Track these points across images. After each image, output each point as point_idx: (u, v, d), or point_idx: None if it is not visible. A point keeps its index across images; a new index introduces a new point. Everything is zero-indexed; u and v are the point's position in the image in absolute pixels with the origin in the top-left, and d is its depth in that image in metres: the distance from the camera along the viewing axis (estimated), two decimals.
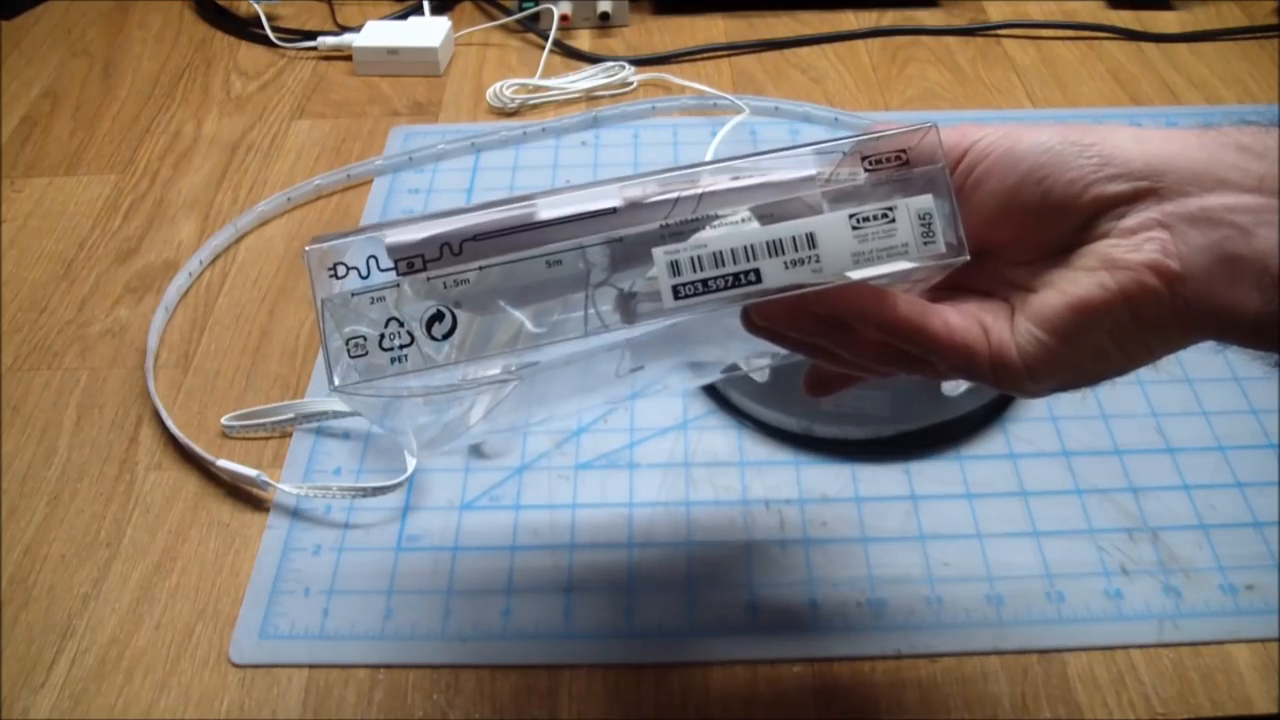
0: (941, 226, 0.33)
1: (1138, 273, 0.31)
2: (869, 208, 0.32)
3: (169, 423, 0.53)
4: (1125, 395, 0.54)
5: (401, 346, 0.33)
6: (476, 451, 0.52)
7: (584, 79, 0.78)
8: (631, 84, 0.78)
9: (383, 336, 0.33)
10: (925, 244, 0.33)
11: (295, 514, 0.50)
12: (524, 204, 0.34)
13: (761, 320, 0.34)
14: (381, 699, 0.43)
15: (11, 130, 0.76)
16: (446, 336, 0.33)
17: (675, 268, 0.33)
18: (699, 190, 0.35)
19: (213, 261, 0.64)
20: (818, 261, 0.32)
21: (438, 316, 0.33)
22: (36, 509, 0.51)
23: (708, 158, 0.68)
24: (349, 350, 0.33)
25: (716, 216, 0.34)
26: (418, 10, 0.85)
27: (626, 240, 0.33)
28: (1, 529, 0.50)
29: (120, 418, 0.55)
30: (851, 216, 0.32)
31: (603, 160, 0.71)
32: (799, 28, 0.84)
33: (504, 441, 0.53)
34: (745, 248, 0.33)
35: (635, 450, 0.52)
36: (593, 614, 0.46)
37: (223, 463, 0.51)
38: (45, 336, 0.60)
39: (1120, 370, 0.33)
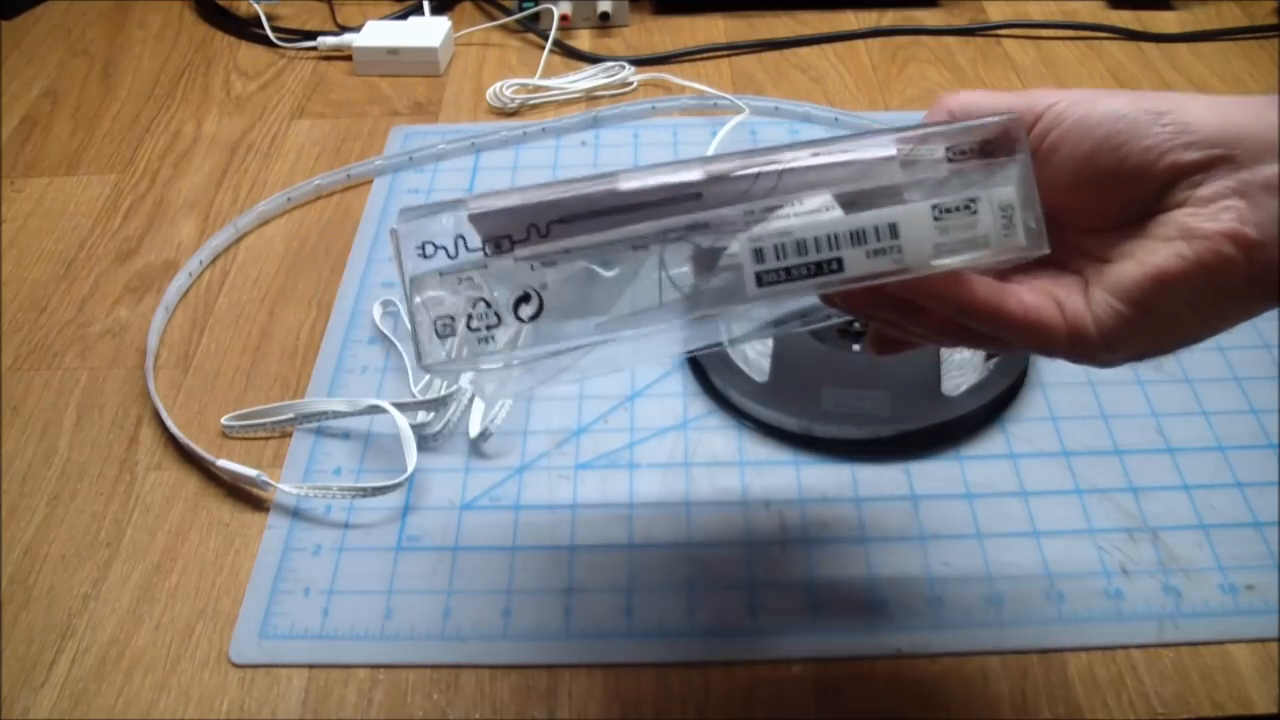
0: (1022, 218, 0.33)
1: (1215, 241, 0.31)
2: (951, 199, 0.33)
3: (169, 423, 0.53)
4: (1125, 395, 0.54)
5: (489, 327, 0.33)
6: (477, 451, 0.52)
7: (584, 79, 0.78)
8: (631, 84, 0.78)
9: (470, 317, 0.33)
10: (1006, 236, 0.33)
11: (295, 514, 0.50)
12: (607, 180, 0.33)
13: (841, 302, 0.35)
14: (381, 699, 0.43)
15: (11, 130, 0.76)
16: (534, 318, 0.33)
17: (759, 255, 0.33)
18: (780, 166, 0.34)
19: (213, 261, 0.64)
20: (899, 252, 0.32)
21: (525, 298, 0.33)
22: (36, 509, 0.51)
23: (710, 153, 0.68)
24: (436, 330, 0.33)
25: (798, 200, 0.34)
26: (418, 10, 0.85)
27: (711, 225, 0.33)
28: (1, 529, 0.50)
29: (120, 418, 0.55)
30: (934, 207, 0.32)
31: (603, 160, 0.71)
32: (799, 28, 0.84)
33: (504, 441, 0.53)
34: (829, 236, 0.33)
35: (635, 450, 0.52)
36: (593, 614, 0.46)
37: (223, 463, 0.51)
38: (45, 336, 0.60)
39: (1196, 338, 0.33)
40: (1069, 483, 0.50)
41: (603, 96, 0.77)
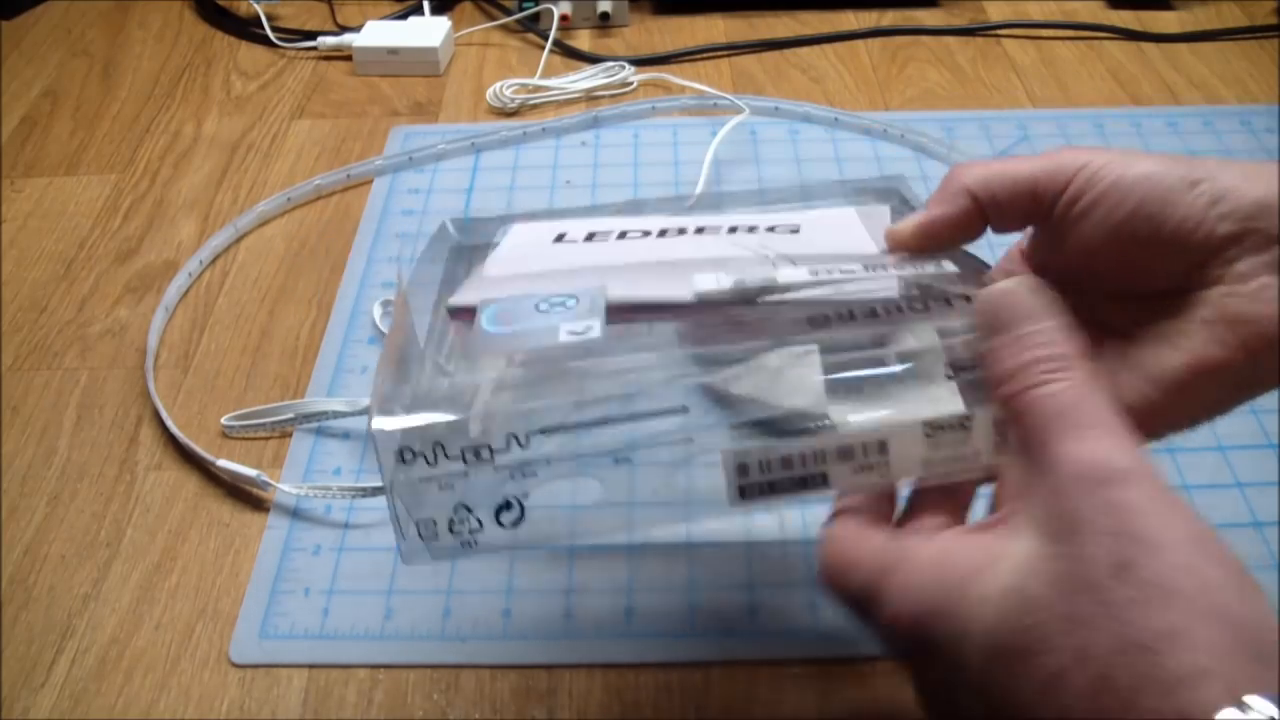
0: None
1: (1261, 325, 0.30)
2: (945, 417, 0.32)
3: (169, 423, 0.53)
4: None
5: (471, 532, 0.33)
6: None
7: (584, 79, 0.78)
8: (631, 84, 0.78)
9: (452, 522, 0.33)
10: (998, 448, 0.32)
11: (295, 514, 0.50)
12: (593, 405, 0.34)
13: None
14: (381, 699, 0.43)
15: (11, 130, 0.76)
16: (515, 524, 0.33)
17: (743, 470, 0.32)
18: (776, 296, 0.35)
19: (213, 261, 0.64)
20: (887, 468, 0.32)
21: (506, 505, 0.33)
22: (36, 509, 0.51)
23: (708, 159, 0.68)
24: (419, 531, 0.33)
25: (784, 343, 0.34)
26: (417, 10, 0.85)
27: (695, 441, 0.33)
28: (1, 529, 0.50)
29: (120, 418, 0.55)
30: (926, 424, 0.32)
31: (603, 160, 0.71)
32: (799, 28, 0.84)
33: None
34: (815, 453, 0.32)
35: (635, 450, 0.52)
36: (593, 614, 0.46)
37: (223, 462, 0.51)
38: (45, 336, 0.60)
39: (1226, 412, 0.32)
40: None
41: (603, 96, 0.77)
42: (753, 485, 0.32)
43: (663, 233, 0.43)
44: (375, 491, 0.50)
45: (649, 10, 0.87)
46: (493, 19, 0.86)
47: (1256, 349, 0.30)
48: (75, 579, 0.48)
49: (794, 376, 0.33)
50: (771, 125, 0.73)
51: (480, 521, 0.33)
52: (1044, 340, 0.30)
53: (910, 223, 0.36)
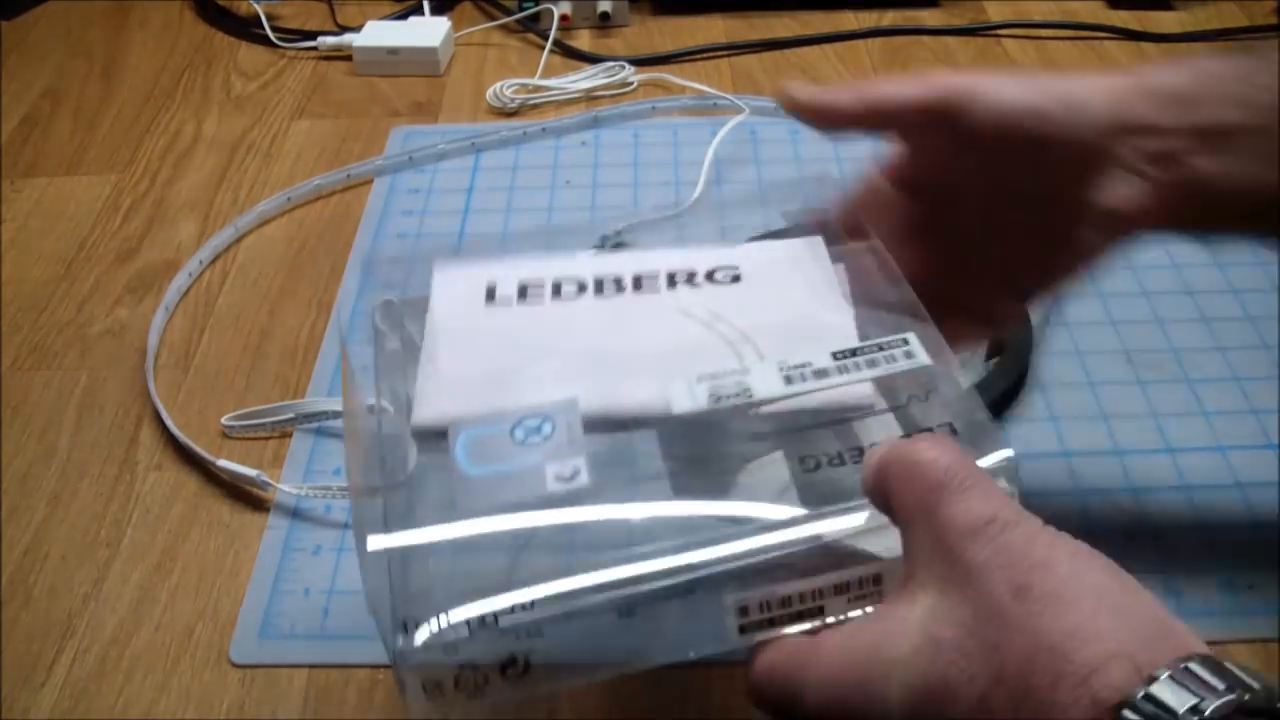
0: None
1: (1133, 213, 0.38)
2: None
3: (169, 423, 0.53)
4: (1125, 395, 0.54)
5: (477, 687, 0.34)
6: None
7: (584, 79, 0.78)
8: (631, 84, 0.78)
9: (457, 680, 0.33)
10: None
11: (295, 514, 0.50)
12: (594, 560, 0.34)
13: None
14: (381, 699, 0.43)
15: (11, 130, 0.76)
16: (522, 676, 0.34)
17: (744, 611, 0.33)
18: (756, 400, 0.36)
19: (213, 261, 0.64)
20: (878, 596, 0.33)
21: (510, 662, 0.34)
22: (36, 509, 0.51)
23: (707, 159, 0.68)
24: (424, 690, 0.33)
25: (757, 457, 0.36)
26: (418, 10, 0.85)
27: (699, 587, 0.34)
28: (1, 529, 0.50)
29: (120, 418, 0.55)
30: None
31: (603, 160, 0.71)
32: (799, 28, 0.84)
33: None
34: (813, 590, 0.33)
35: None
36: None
37: (223, 462, 0.51)
38: (45, 336, 0.60)
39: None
40: (1069, 483, 0.50)
41: (603, 96, 0.77)
42: (753, 623, 0.33)
43: (599, 287, 0.43)
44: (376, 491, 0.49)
45: (649, 10, 0.87)
46: (493, 19, 0.86)
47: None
48: (75, 579, 0.48)
49: (767, 491, 0.35)
50: (771, 125, 0.73)
51: (486, 678, 0.34)
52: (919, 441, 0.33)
53: (810, 102, 0.40)
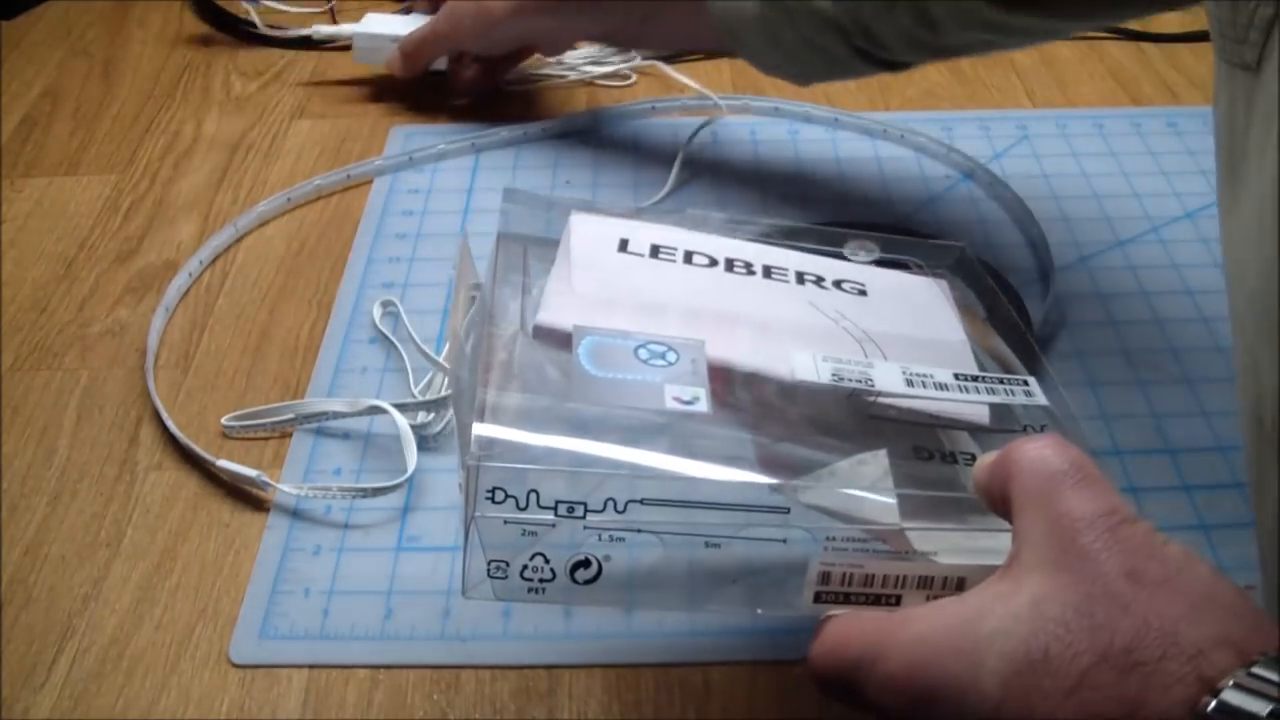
0: None
1: None
2: None
3: (169, 423, 0.53)
4: (1125, 396, 0.54)
5: (542, 581, 0.34)
6: None
7: (585, 62, 0.78)
8: (631, 79, 0.78)
9: (525, 568, 0.33)
10: None
11: (295, 514, 0.50)
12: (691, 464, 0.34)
13: None
14: (381, 699, 0.43)
15: (11, 130, 0.76)
16: (589, 582, 0.34)
17: (825, 579, 0.33)
18: (874, 389, 0.36)
19: (213, 261, 0.64)
20: (959, 602, 0.33)
21: (584, 563, 0.34)
22: (36, 509, 0.51)
23: (679, 157, 0.68)
24: (489, 570, 0.33)
25: (866, 446, 0.35)
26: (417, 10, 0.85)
27: (788, 543, 0.34)
28: (1, 529, 0.50)
29: (120, 418, 0.55)
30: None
31: (603, 160, 0.71)
32: None
33: None
34: (897, 577, 0.33)
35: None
36: (593, 614, 0.46)
37: (223, 463, 0.51)
38: (45, 336, 0.60)
39: None
40: None
41: (600, 88, 0.77)
42: (830, 593, 0.33)
43: (730, 265, 0.43)
44: (376, 492, 0.50)
45: None
46: None
47: None
48: (75, 579, 0.48)
49: (866, 488, 0.34)
50: (771, 125, 0.73)
51: (554, 573, 0.33)
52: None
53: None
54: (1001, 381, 0.38)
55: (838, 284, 0.43)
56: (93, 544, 0.49)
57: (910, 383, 0.37)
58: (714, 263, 0.43)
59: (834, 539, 0.33)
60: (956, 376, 0.38)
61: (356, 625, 0.46)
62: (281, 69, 0.81)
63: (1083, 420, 0.39)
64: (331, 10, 0.87)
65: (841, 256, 0.46)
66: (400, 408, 0.52)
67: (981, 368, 0.40)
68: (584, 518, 0.33)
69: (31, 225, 0.68)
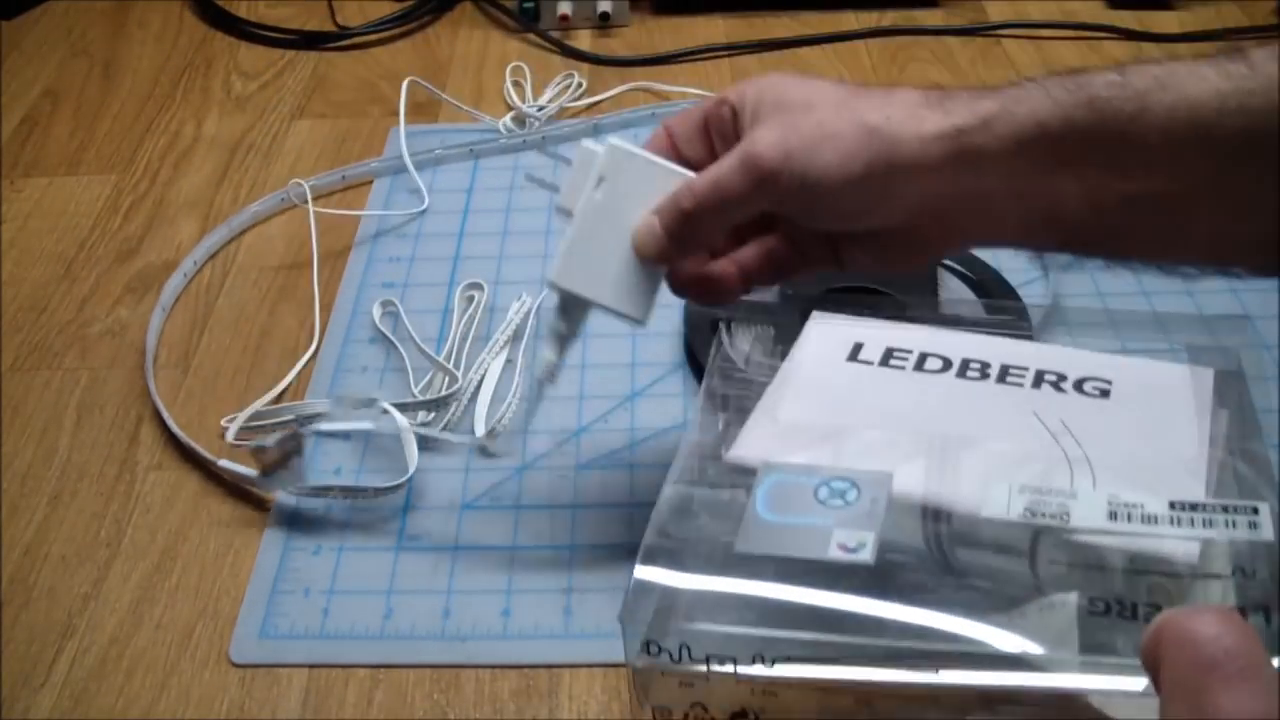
0: None
1: None
2: None
3: (170, 423, 0.53)
4: None
5: None
6: (477, 451, 0.52)
7: (547, 100, 0.76)
8: (581, 85, 0.77)
9: (687, 715, 0.34)
10: None
11: (295, 514, 0.50)
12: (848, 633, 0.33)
13: None
14: (381, 699, 0.43)
15: (11, 130, 0.76)
16: None
17: None
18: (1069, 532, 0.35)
19: (208, 261, 0.64)
20: None
21: (741, 714, 0.34)
22: (36, 509, 0.51)
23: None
24: (653, 716, 0.34)
25: (1053, 589, 0.34)
26: (417, 10, 0.85)
27: (940, 699, 0.33)
28: (1, 529, 0.50)
29: (120, 418, 0.55)
30: None
31: None
32: (799, 28, 0.84)
33: (505, 442, 0.53)
34: None
35: (635, 450, 0.52)
36: (593, 614, 0.46)
37: (224, 463, 0.51)
38: (45, 336, 0.60)
39: None
40: None
41: (572, 107, 0.76)
42: None
43: (964, 368, 0.43)
44: (377, 492, 0.50)
45: (649, 10, 0.87)
46: (492, 19, 0.86)
47: None
48: (75, 579, 0.48)
49: (1051, 639, 0.33)
50: None
51: None
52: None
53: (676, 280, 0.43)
54: (1225, 510, 0.35)
55: (1079, 384, 0.42)
56: (93, 544, 0.49)
57: (1114, 515, 0.35)
58: (948, 366, 0.43)
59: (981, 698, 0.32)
60: (1172, 505, 0.35)
61: (356, 625, 0.46)
62: (281, 69, 0.81)
63: None
64: (331, 10, 0.87)
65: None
66: (400, 408, 0.52)
67: (1219, 486, 0.37)
68: (734, 673, 0.33)
69: (31, 225, 0.68)
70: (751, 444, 0.40)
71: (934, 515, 0.37)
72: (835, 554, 0.35)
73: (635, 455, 0.52)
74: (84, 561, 0.49)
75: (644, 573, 0.35)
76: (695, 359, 0.55)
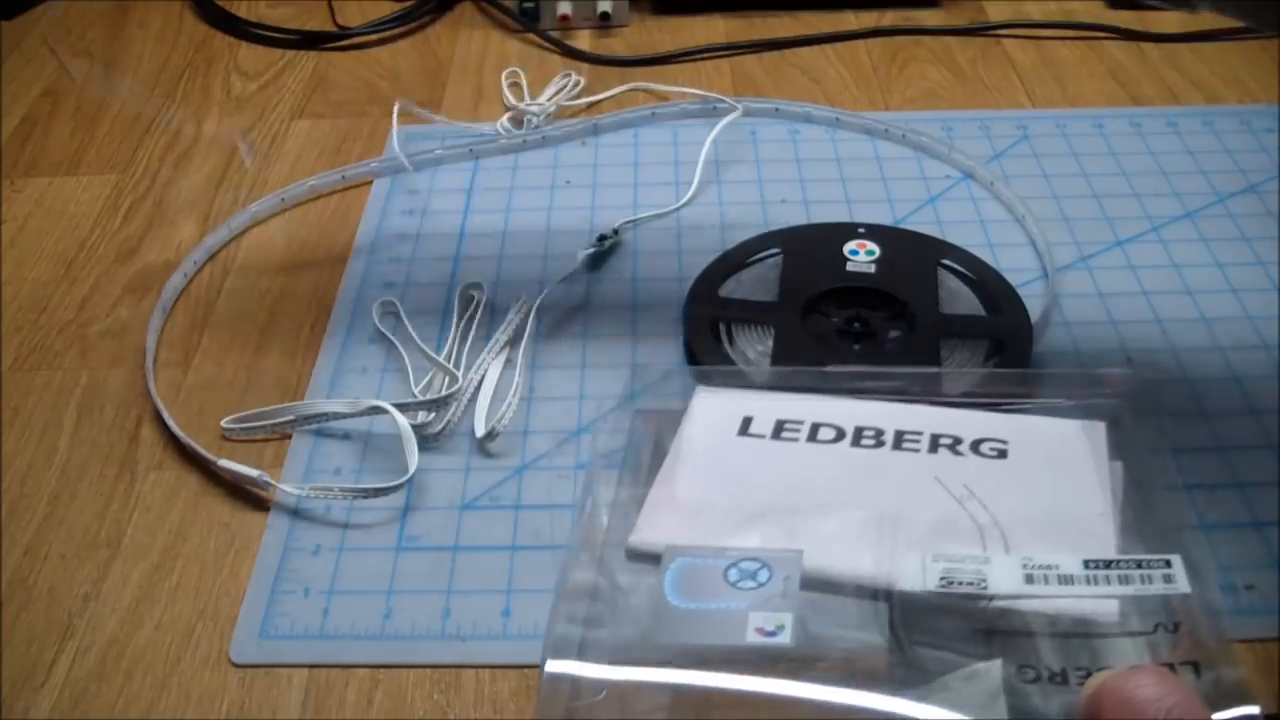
0: None
1: None
2: None
3: (170, 422, 0.53)
4: None
5: None
6: (477, 451, 0.52)
7: (546, 99, 0.76)
8: (580, 84, 0.77)
9: None
10: None
11: (295, 514, 0.50)
12: None
13: None
14: (381, 699, 0.43)
15: (11, 130, 0.76)
16: None
17: None
18: (997, 601, 0.35)
19: (208, 261, 0.64)
20: None
21: None
22: (36, 509, 0.51)
23: (701, 160, 0.68)
24: None
25: (976, 656, 0.33)
26: (418, 10, 0.85)
27: None
28: (1, 529, 0.50)
29: (120, 418, 0.55)
30: None
31: (602, 160, 0.71)
32: (799, 28, 0.84)
33: (505, 442, 0.52)
34: None
35: None
36: None
37: (224, 462, 0.51)
38: (45, 336, 0.60)
39: None
40: None
41: (602, 100, 0.77)
42: None
43: (859, 436, 0.42)
44: (376, 492, 0.50)
45: (649, 10, 0.87)
46: (492, 19, 0.86)
47: None
48: (75, 579, 0.48)
49: (978, 709, 0.32)
50: (771, 125, 0.73)
51: None
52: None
53: None
54: (1139, 565, 0.36)
55: (976, 446, 0.42)
56: (93, 544, 0.49)
57: (1030, 578, 0.35)
58: (841, 435, 0.42)
59: None
60: (1087, 565, 0.35)
61: (356, 625, 0.46)
62: (281, 69, 0.81)
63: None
64: (331, 10, 0.87)
65: (988, 405, 0.44)
66: (401, 408, 0.52)
67: (1125, 540, 0.37)
68: None
69: (31, 225, 0.68)
70: (652, 528, 0.39)
71: (848, 590, 0.36)
72: (753, 639, 0.34)
73: None
74: (84, 561, 0.49)
75: (556, 666, 0.34)
76: (695, 359, 0.55)
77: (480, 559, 0.48)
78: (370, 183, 0.70)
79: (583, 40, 0.84)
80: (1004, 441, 0.42)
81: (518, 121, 0.74)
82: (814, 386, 0.46)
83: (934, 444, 0.42)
